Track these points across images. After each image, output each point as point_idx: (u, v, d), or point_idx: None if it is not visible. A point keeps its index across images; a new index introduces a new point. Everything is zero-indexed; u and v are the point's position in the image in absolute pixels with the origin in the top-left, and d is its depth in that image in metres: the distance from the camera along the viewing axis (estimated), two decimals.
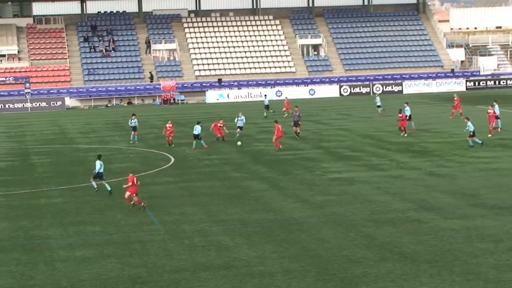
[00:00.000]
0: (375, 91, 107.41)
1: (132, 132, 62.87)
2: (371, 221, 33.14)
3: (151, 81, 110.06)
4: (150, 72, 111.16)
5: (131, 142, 62.27)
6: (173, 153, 55.61)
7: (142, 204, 36.38)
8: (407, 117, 63.41)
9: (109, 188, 40.83)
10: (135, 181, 36.42)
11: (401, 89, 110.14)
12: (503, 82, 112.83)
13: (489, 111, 59.69)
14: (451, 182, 41.74)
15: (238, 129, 61.78)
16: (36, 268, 27.64)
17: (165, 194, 40.97)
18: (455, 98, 74.10)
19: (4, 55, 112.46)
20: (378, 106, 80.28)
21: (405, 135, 59.92)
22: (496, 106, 62.73)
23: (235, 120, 62.98)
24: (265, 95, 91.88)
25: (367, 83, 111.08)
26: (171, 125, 59.62)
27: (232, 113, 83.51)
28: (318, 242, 29.89)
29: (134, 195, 36.32)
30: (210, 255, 28.67)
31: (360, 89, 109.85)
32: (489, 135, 57.87)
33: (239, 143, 58.31)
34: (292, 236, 31.00)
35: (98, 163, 41.09)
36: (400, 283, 24.66)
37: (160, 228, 33.24)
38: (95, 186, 41.26)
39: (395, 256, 27.60)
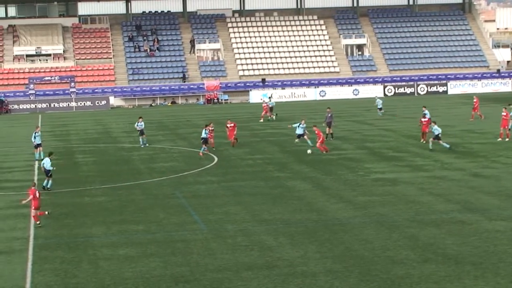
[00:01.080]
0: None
1: (140, 136, 60.96)
2: (415, 222, 33.02)
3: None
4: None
5: (142, 146, 60.47)
6: (217, 153, 55.75)
7: (46, 213, 35.40)
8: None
9: (45, 184, 42.84)
10: (37, 194, 34.77)
11: (446, 89, 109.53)
12: None
13: (503, 114, 58.53)
14: (496, 183, 41.43)
15: (297, 139, 57.79)
16: (80, 266, 27.86)
17: (208, 193, 41.07)
18: (475, 100, 73.48)
19: (49, 55, 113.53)
20: (380, 109, 79.62)
21: (425, 141, 56.66)
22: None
23: (295, 125, 58.59)
24: (270, 96, 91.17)
25: (412, 83, 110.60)
26: (212, 128, 57.95)
27: (276, 112, 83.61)
28: (361, 243, 29.84)
29: (36, 208, 34.41)
30: (253, 254, 28.72)
31: (404, 90, 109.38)
32: (499, 139, 57.16)
33: (309, 151, 54.39)
34: (335, 237, 30.97)
35: (47, 160, 43.07)
36: (444, 284, 24.55)
37: (203, 227, 33.34)
38: (45, 184, 43.00)
39: (438, 258, 27.47)
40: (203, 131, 54.84)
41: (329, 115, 62.28)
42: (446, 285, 24.47)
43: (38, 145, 54.45)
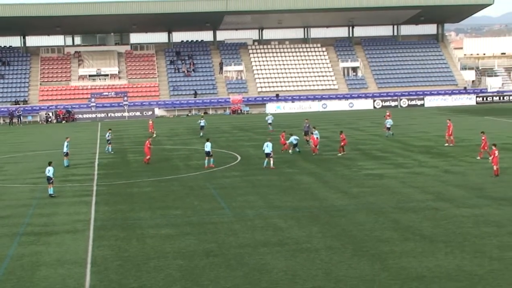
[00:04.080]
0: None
1: (108, 145, 59.24)
2: (397, 209, 32.93)
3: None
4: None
5: (106, 152, 58.56)
6: (241, 153, 55.72)
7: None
8: (317, 139, 56.65)
9: (51, 192, 38.94)
10: None
11: (423, 103, 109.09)
12: (506, 98, 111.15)
13: (447, 124, 57.90)
14: (463, 178, 41.28)
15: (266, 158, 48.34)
16: (130, 243, 27.94)
17: (232, 185, 41.09)
18: (388, 114, 72.04)
19: (107, 75, 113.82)
20: (270, 124, 74.18)
21: (343, 153, 53.07)
22: (389, 121, 64.14)
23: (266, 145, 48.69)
24: (202, 116, 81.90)
25: (396, 98, 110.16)
26: (148, 145, 52.69)
27: (287, 121, 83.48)
28: (354, 225, 29.79)
29: None
30: (268, 234, 28.71)
31: (390, 103, 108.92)
32: (446, 144, 56.87)
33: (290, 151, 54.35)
34: (333, 220, 30.92)
35: (47, 169, 39.05)
36: (420, 259, 24.48)
37: (228, 212, 33.35)
38: (50, 192, 39.12)
39: (416, 237, 27.39)
40: (208, 144, 48.94)
41: (307, 125, 61.53)
42: (422, 259, 24.40)
43: (66, 154, 51.45)
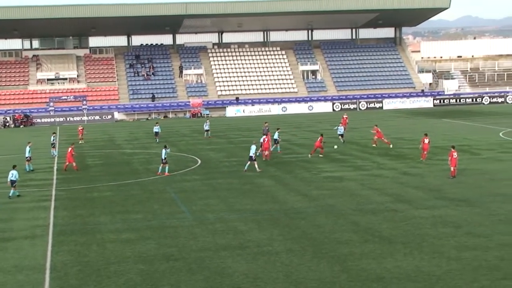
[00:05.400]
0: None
1: (52, 148, 59.92)
2: (357, 211, 33.12)
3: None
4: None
5: (53, 156, 58.98)
6: (201, 156, 55.58)
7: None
8: (277, 142, 57.01)
9: (17, 194, 39.71)
10: None
11: (381, 105, 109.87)
12: (463, 100, 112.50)
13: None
14: (421, 180, 41.66)
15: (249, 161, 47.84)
16: (90, 248, 27.71)
17: (193, 189, 40.97)
18: (345, 116, 71.88)
19: (66, 79, 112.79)
20: (207, 130, 71.66)
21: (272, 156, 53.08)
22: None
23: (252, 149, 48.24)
24: (156, 122, 75.37)
25: (355, 100, 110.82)
26: (72, 152, 50.88)
27: (247, 124, 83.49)
28: (314, 227, 29.89)
29: None
30: (228, 237, 28.68)
31: (349, 106, 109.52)
32: (374, 145, 58.54)
33: (335, 146, 57.76)
34: (293, 222, 31.00)
35: (10, 173, 39.46)
36: (380, 260, 24.65)
37: (188, 216, 33.25)
38: (15, 194, 39.66)
39: (375, 239, 27.57)
40: (164, 151, 47.43)
41: (266, 128, 61.61)
42: (382, 261, 24.57)
43: (27, 158, 51.09)
